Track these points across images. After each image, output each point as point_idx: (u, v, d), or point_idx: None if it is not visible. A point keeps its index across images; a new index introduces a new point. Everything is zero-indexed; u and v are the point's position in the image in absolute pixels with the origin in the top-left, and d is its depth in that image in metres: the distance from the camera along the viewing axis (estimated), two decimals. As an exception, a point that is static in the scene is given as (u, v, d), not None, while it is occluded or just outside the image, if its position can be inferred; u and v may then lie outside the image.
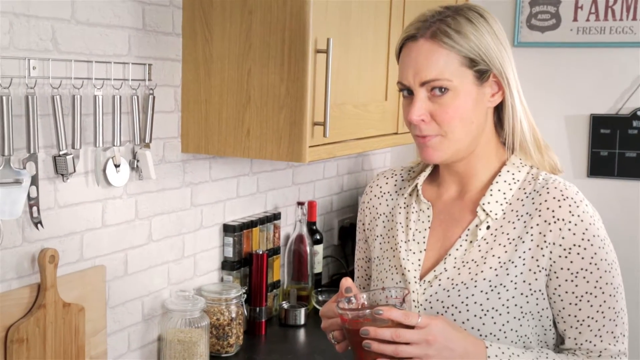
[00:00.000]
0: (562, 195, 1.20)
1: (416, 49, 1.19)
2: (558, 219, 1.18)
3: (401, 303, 1.12)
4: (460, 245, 1.23)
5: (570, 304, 1.20)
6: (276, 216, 2.25)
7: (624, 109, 2.72)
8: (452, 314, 1.20)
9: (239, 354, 1.97)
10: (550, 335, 1.25)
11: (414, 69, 1.18)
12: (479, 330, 1.19)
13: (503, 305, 1.19)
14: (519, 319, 1.20)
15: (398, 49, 1.24)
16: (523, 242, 1.20)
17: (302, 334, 2.17)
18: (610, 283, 1.19)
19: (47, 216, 1.48)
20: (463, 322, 1.20)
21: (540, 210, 1.20)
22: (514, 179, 1.25)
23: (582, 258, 1.18)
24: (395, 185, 1.38)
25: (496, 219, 1.22)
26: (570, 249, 1.18)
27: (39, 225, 1.45)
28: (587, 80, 2.76)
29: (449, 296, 1.21)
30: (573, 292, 1.19)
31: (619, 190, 2.72)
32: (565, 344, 1.23)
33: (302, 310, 2.21)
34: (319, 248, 2.46)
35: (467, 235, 1.23)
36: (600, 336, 1.20)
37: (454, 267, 1.22)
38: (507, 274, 1.19)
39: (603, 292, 1.19)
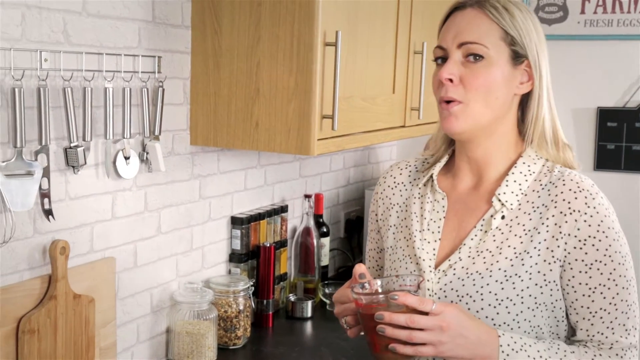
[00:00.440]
0: (578, 187, 1.21)
1: (461, 15, 1.24)
2: (574, 211, 1.20)
3: (416, 290, 1.13)
4: (475, 235, 1.24)
5: (583, 295, 1.21)
6: (283, 209, 2.26)
7: (631, 102, 2.72)
8: (467, 303, 1.21)
9: (247, 346, 1.98)
10: (562, 326, 1.25)
11: (455, 31, 1.22)
12: (493, 319, 1.20)
13: (517, 295, 1.20)
14: (533, 310, 1.21)
15: (443, 19, 1.28)
16: (539, 232, 1.21)
17: (309, 326, 2.18)
18: (623, 275, 1.20)
19: (58, 208, 1.48)
20: (477, 311, 1.20)
21: (556, 202, 1.21)
22: (529, 170, 1.26)
23: (597, 250, 1.19)
24: (409, 176, 1.39)
25: (511, 209, 1.24)
26: (585, 240, 1.19)
27: (50, 216, 1.46)
28: (594, 73, 2.76)
29: (463, 285, 1.22)
30: (587, 284, 1.20)
31: (626, 183, 2.72)
32: (577, 335, 1.24)
33: (309, 303, 2.22)
34: (326, 241, 2.47)
35: (482, 225, 1.25)
36: (612, 328, 1.21)
37: (469, 256, 1.24)
38: (523, 264, 1.20)
39: (616, 285, 1.20)
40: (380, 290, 1.18)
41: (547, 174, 1.25)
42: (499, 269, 1.21)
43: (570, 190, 1.21)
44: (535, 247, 1.21)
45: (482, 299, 1.20)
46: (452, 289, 1.23)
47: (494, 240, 1.23)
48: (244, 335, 1.97)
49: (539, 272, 1.20)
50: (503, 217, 1.24)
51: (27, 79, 1.38)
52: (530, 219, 1.23)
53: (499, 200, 1.24)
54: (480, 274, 1.22)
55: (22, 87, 1.35)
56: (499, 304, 1.20)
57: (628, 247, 1.23)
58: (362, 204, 2.76)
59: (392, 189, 1.40)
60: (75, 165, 1.49)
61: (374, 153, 2.97)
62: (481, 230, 1.25)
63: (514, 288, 1.20)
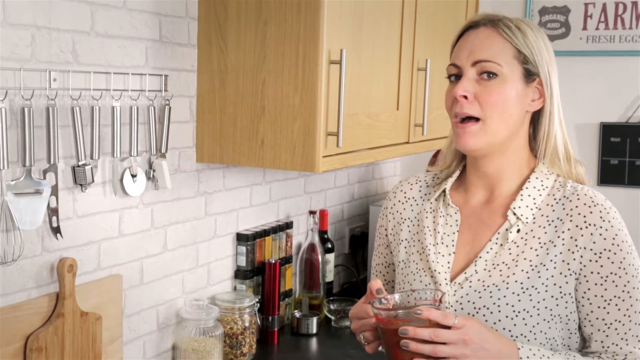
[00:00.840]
0: (593, 201, 1.24)
1: (475, 33, 1.26)
2: (590, 224, 1.22)
3: (438, 304, 1.15)
4: (491, 248, 1.26)
5: (598, 307, 1.23)
6: (288, 225, 2.27)
7: (634, 117, 2.73)
8: (484, 315, 1.23)
9: (252, 362, 1.98)
10: (574, 338, 1.27)
11: (470, 49, 1.25)
12: (510, 331, 1.22)
13: (534, 307, 1.22)
14: (548, 322, 1.23)
15: (456, 37, 1.30)
16: (555, 245, 1.23)
17: (314, 342, 2.18)
18: (637, 288, 1.22)
19: (65, 226, 1.49)
20: (494, 323, 1.22)
21: (571, 216, 1.24)
22: (542, 185, 1.29)
23: (612, 262, 1.22)
24: (420, 190, 1.41)
25: (527, 223, 1.26)
26: (601, 253, 1.22)
27: (58, 234, 1.47)
28: (596, 88, 2.77)
29: (480, 297, 1.24)
30: (602, 296, 1.22)
31: (630, 198, 2.73)
32: (592, 347, 1.26)
33: (314, 319, 2.22)
34: (331, 257, 2.47)
35: (497, 238, 1.27)
36: (627, 340, 1.23)
37: (485, 269, 1.25)
38: (539, 277, 1.23)
39: (630, 296, 1.22)
40: (397, 305, 1.19)
41: (560, 189, 1.28)
42: (516, 281, 1.23)
43: (585, 204, 1.24)
44: (551, 260, 1.23)
45: (499, 311, 1.22)
46: (468, 301, 1.24)
47: (510, 254, 1.25)
48: (250, 351, 1.97)
49: (555, 284, 1.23)
50: (519, 231, 1.26)
51: (37, 98, 1.40)
52: (546, 232, 1.25)
53: (514, 214, 1.27)
54: (497, 286, 1.23)
55: (31, 107, 1.37)
56: (516, 316, 1.22)
57: (639, 259, 1.26)
58: (367, 219, 2.76)
59: (402, 203, 1.42)
60: (83, 183, 1.50)
61: (378, 169, 2.98)
62: (497, 243, 1.27)
63: (531, 300, 1.22)
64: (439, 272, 1.28)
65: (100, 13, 1.53)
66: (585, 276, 1.23)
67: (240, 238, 2.07)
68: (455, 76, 1.27)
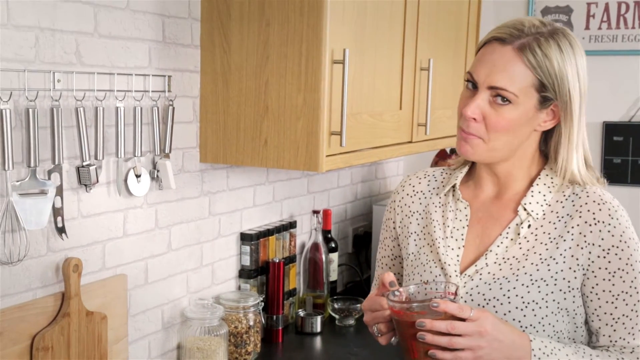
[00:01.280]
0: (601, 199, 1.27)
1: (499, 52, 1.22)
2: (598, 221, 1.25)
3: (454, 297, 1.16)
4: (502, 242, 1.29)
5: (607, 302, 1.25)
6: (292, 224, 2.27)
7: (636, 117, 2.73)
8: (494, 306, 1.25)
9: (257, 361, 1.99)
10: (580, 332, 1.29)
11: (489, 70, 1.22)
12: (519, 321, 1.24)
13: (542, 299, 1.24)
14: (556, 314, 1.25)
15: (482, 43, 1.27)
16: (564, 240, 1.26)
17: (318, 341, 2.19)
18: None
19: (70, 226, 1.50)
20: (504, 314, 1.25)
21: (580, 212, 1.26)
22: (552, 182, 1.31)
23: (620, 258, 1.24)
24: (428, 185, 1.43)
25: (537, 218, 1.28)
26: (609, 249, 1.24)
27: (63, 234, 1.47)
28: (599, 88, 2.77)
29: (490, 289, 1.26)
30: (610, 291, 1.25)
31: (633, 197, 2.73)
32: (600, 341, 1.28)
33: (318, 318, 2.23)
34: (334, 256, 2.48)
35: (507, 233, 1.29)
36: (634, 334, 1.25)
37: (495, 262, 1.28)
38: (548, 270, 1.25)
39: (638, 292, 1.24)
40: (411, 298, 1.20)
41: (569, 186, 1.30)
42: (525, 274, 1.25)
43: (594, 201, 1.26)
44: (560, 254, 1.26)
45: (509, 302, 1.25)
46: (478, 293, 1.27)
47: (520, 248, 1.28)
48: (254, 350, 1.98)
49: (563, 278, 1.25)
50: (529, 226, 1.28)
51: (41, 99, 1.41)
52: (556, 228, 1.27)
53: (525, 210, 1.29)
54: (507, 278, 1.26)
55: (35, 108, 1.38)
56: (526, 307, 1.24)
57: None
58: (370, 219, 2.77)
59: (411, 197, 1.43)
60: (87, 183, 1.51)
61: (381, 168, 2.98)
62: (507, 237, 1.29)
63: (539, 292, 1.24)
64: (449, 265, 1.31)
65: (103, 14, 1.54)
66: (593, 272, 1.25)
67: (244, 238, 2.08)
68: (473, 84, 1.26)
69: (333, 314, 2.32)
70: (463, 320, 1.13)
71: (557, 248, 1.26)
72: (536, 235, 1.28)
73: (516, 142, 1.27)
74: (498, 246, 1.29)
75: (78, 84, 1.47)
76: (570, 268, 1.25)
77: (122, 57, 1.59)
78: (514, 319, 1.24)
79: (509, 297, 1.25)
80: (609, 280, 1.25)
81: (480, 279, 1.27)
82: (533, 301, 1.24)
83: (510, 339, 1.17)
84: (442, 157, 2.90)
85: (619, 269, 1.24)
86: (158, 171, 1.71)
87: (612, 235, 1.24)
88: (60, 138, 1.43)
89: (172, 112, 1.71)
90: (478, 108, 1.23)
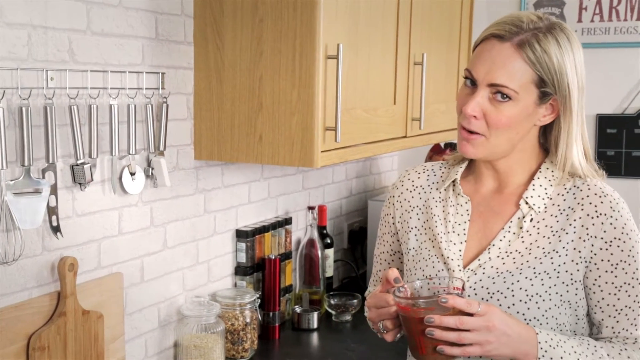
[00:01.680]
0: (603, 192, 1.27)
1: (498, 49, 1.22)
2: (600, 214, 1.25)
3: (461, 292, 1.16)
4: (504, 237, 1.29)
5: (609, 293, 1.26)
6: (287, 221, 2.27)
7: (629, 109, 2.74)
8: (498, 300, 1.25)
9: (254, 358, 1.98)
10: (581, 324, 1.30)
11: (489, 67, 1.22)
12: (523, 314, 1.24)
13: (546, 292, 1.25)
14: (559, 307, 1.25)
15: (480, 39, 1.26)
16: (566, 233, 1.26)
17: (315, 337, 2.19)
18: None
19: (65, 225, 1.50)
20: (508, 307, 1.25)
21: (582, 205, 1.27)
22: (553, 175, 1.31)
23: (622, 250, 1.24)
24: (427, 179, 1.42)
25: (539, 212, 1.28)
26: (611, 241, 1.24)
27: (58, 233, 1.47)
28: (592, 80, 2.76)
29: (494, 283, 1.26)
30: (612, 283, 1.25)
31: (626, 189, 2.73)
32: (602, 333, 1.28)
33: (315, 314, 2.23)
34: (330, 252, 2.48)
35: (510, 226, 1.29)
36: (636, 325, 1.26)
37: (498, 256, 1.28)
38: (552, 263, 1.25)
39: (639, 283, 1.25)
40: (416, 293, 1.20)
41: (570, 179, 1.30)
42: (529, 267, 1.26)
43: (595, 194, 1.27)
44: (563, 247, 1.26)
45: (513, 295, 1.25)
46: (482, 287, 1.27)
47: (523, 242, 1.28)
48: (251, 347, 1.98)
49: (566, 271, 1.25)
50: (532, 220, 1.29)
51: (34, 97, 1.40)
52: (557, 221, 1.28)
53: (527, 204, 1.29)
54: (510, 272, 1.26)
55: (29, 106, 1.37)
56: (529, 300, 1.24)
57: None
58: (365, 214, 2.77)
59: (410, 192, 1.42)
60: (82, 182, 1.50)
61: (375, 164, 2.98)
62: (509, 231, 1.29)
63: (543, 285, 1.25)
64: (452, 259, 1.30)
65: (96, 11, 1.53)
66: (595, 264, 1.25)
67: (240, 234, 2.07)
68: (471, 81, 1.26)
69: (329, 310, 2.32)
70: (471, 315, 1.13)
71: (560, 241, 1.26)
72: (538, 228, 1.28)
73: (517, 138, 1.27)
74: (501, 240, 1.29)
75: (71, 82, 1.47)
76: (572, 260, 1.25)
77: (115, 54, 1.59)
78: (517, 312, 1.24)
79: (512, 291, 1.25)
80: (612, 272, 1.25)
81: (484, 273, 1.27)
82: (537, 294, 1.24)
83: (517, 333, 1.17)
84: (436, 152, 2.90)
85: (621, 260, 1.25)
86: (153, 169, 1.70)
87: (614, 228, 1.24)
88: (54, 136, 1.42)
89: (166, 110, 1.71)
90: (478, 105, 1.23)
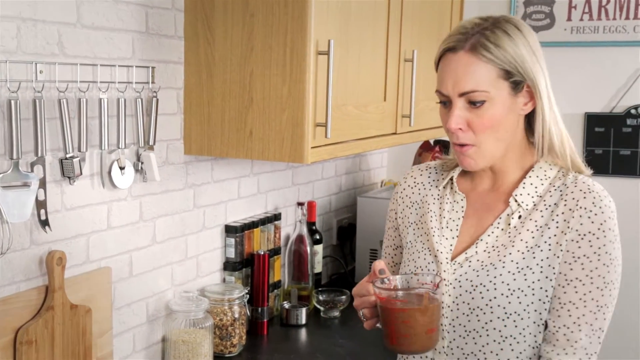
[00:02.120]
0: (589, 188, 1.27)
1: (455, 60, 1.25)
2: (580, 207, 1.25)
3: (435, 289, 1.19)
4: (492, 232, 1.31)
5: (559, 285, 1.25)
6: (277, 217, 2.27)
7: (617, 108, 2.75)
8: (480, 292, 1.27)
9: (242, 354, 1.98)
10: None
11: (453, 79, 1.25)
12: (504, 308, 1.25)
13: (529, 287, 1.25)
14: (544, 303, 1.26)
15: (437, 58, 1.30)
16: (549, 228, 1.27)
17: (303, 333, 2.19)
18: (602, 276, 1.24)
19: (54, 219, 1.49)
20: (490, 300, 1.26)
21: (566, 200, 1.27)
22: (545, 175, 1.32)
23: (591, 246, 1.24)
24: (429, 177, 1.45)
25: (527, 209, 1.30)
26: (584, 235, 1.25)
27: (46, 227, 1.46)
28: (581, 79, 2.80)
29: (477, 276, 1.28)
30: (565, 275, 1.25)
31: (614, 187, 2.73)
32: (547, 329, 1.27)
33: (303, 310, 2.23)
34: (319, 248, 2.48)
35: (499, 222, 1.31)
36: (579, 325, 1.24)
37: (485, 250, 1.30)
38: (534, 257, 1.26)
39: (592, 282, 1.24)
40: (399, 286, 1.24)
41: (561, 178, 1.31)
42: (512, 261, 1.27)
43: (580, 190, 1.27)
44: (545, 242, 1.27)
45: (495, 289, 1.26)
46: (466, 280, 1.29)
47: (509, 237, 1.30)
48: (240, 343, 1.98)
49: (549, 265, 1.26)
50: (520, 217, 1.30)
51: (23, 90, 1.39)
52: (542, 216, 1.28)
53: (516, 201, 1.31)
54: (494, 265, 1.28)
55: (17, 99, 1.36)
56: (511, 294, 1.25)
57: (620, 253, 1.27)
58: (354, 210, 2.77)
59: (412, 188, 1.46)
60: (71, 176, 1.50)
61: (365, 160, 2.99)
62: (498, 227, 1.31)
63: (525, 279, 1.26)
64: (441, 252, 1.33)
65: (86, 5, 1.52)
66: (563, 255, 1.25)
67: (229, 230, 2.07)
68: (445, 102, 1.29)
69: (318, 306, 2.33)
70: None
71: (542, 236, 1.27)
72: (523, 223, 1.29)
73: (506, 135, 1.28)
74: (489, 235, 1.31)
75: (61, 75, 1.46)
76: (555, 255, 1.26)
77: (105, 48, 1.58)
78: (499, 305, 1.26)
79: (495, 284, 1.26)
80: (569, 264, 1.24)
81: (470, 266, 1.30)
82: (519, 289, 1.25)
83: None
84: (425, 149, 2.91)
85: (584, 255, 1.24)
86: (142, 163, 1.69)
87: (592, 222, 1.24)
88: (43, 130, 1.41)
89: (156, 104, 1.70)
90: (459, 118, 1.25)
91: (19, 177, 1.38)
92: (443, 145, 2.78)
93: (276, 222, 2.27)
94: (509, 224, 1.30)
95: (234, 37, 1.75)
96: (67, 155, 1.48)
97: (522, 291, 1.25)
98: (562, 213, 1.27)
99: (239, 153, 1.78)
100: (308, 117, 1.69)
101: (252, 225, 2.13)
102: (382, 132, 2.10)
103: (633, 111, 2.73)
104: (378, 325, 1.28)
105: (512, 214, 1.30)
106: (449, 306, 1.30)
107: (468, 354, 1.29)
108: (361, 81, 1.96)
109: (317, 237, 2.47)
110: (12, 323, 1.40)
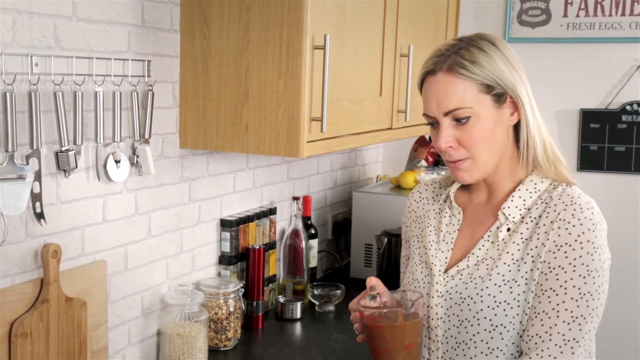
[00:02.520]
0: (572, 201, 1.27)
1: (435, 82, 1.28)
2: (560, 219, 1.26)
3: (410, 306, 1.26)
4: (483, 245, 1.33)
5: (536, 295, 1.25)
6: (272, 211, 2.27)
7: (613, 104, 2.76)
8: (468, 304, 1.29)
9: (237, 347, 1.99)
10: None
11: (436, 101, 1.27)
12: (491, 320, 1.27)
13: (514, 299, 1.26)
14: (527, 314, 1.26)
15: (420, 83, 1.33)
16: (532, 241, 1.28)
17: (298, 327, 2.20)
18: (578, 287, 1.22)
19: (49, 212, 1.49)
20: (477, 312, 1.28)
21: (548, 213, 1.28)
22: (535, 188, 1.33)
23: (566, 257, 1.23)
24: (433, 192, 1.49)
25: (514, 222, 1.31)
26: (561, 246, 1.24)
27: (41, 220, 1.46)
28: (577, 75, 2.80)
29: (466, 288, 1.30)
30: (541, 285, 1.25)
31: (609, 183, 2.77)
32: (522, 338, 1.26)
33: (298, 304, 2.23)
34: (314, 242, 2.49)
35: (489, 236, 1.33)
36: (550, 334, 1.22)
37: (476, 264, 1.32)
38: (519, 270, 1.27)
39: (566, 293, 1.22)
40: (388, 303, 1.32)
41: (550, 191, 1.32)
42: (498, 273, 1.28)
43: (563, 202, 1.27)
44: (529, 254, 1.27)
45: (481, 301, 1.28)
46: (456, 292, 1.32)
47: (498, 250, 1.31)
48: (235, 336, 1.98)
49: (533, 278, 1.26)
50: (509, 230, 1.31)
51: (18, 83, 1.39)
52: (528, 229, 1.30)
53: (504, 214, 1.32)
54: (481, 278, 1.29)
55: (13, 92, 1.36)
56: (497, 306, 1.27)
57: (603, 265, 1.24)
58: (349, 205, 2.78)
59: (417, 203, 1.51)
60: (66, 169, 1.50)
61: (360, 155, 2.99)
62: (488, 240, 1.33)
63: (511, 292, 1.27)
64: (435, 265, 1.36)
65: (82, -3, 1.52)
66: (539, 267, 1.25)
67: (224, 224, 2.07)
68: (433, 123, 1.32)
69: (313, 300, 2.33)
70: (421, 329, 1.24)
71: (527, 248, 1.28)
72: (510, 236, 1.31)
73: (497, 146, 1.30)
74: (480, 249, 1.33)
75: (56, 68, 1.45)
76: (536, 267, 1.26)
77: (100, 41, 1.58)
78: (485, 317, 1.27)
79: (481, 296, 1.28)
80: (545, 274, 1.24)
81: (460, 278, 1.32)
82: (505, 301, 1.26)
83: None
84: (421, 144, 2.92)
85: (559, 266, 1.23)
86: (137, 157, 1.69)
87: (569, 234, 1.24)
88: (38, 123, 1.41)
89: (152, 97, 1.70)
90: (448, 136, 1.28)
91: (14, 169, 1.38)
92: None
93: (271, 217, 2.27)
94: (498, 237, 1.31)
95: (230, 31, 1.74)
96: (63, 148, 1.48)
97: (508, 304, 1.26)
98: (544, 225, 1.27)
99: (235, 147, 1.78)
100: (304, 111, 1.69)
101: (247, 219, 2.14)
102: (377, 127, 2.10)
103: (628, 107, 2.73)
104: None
105: (501, 226, 1.31)
106: (441, 318, 1.33)
107: None
108: (357, 76, 1.96)
109: (313, 231, 2.48)
110: (7, 316, 1.40)
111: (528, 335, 1.25)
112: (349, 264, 2.71)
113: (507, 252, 1.29)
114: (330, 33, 1.72)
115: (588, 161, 2.78)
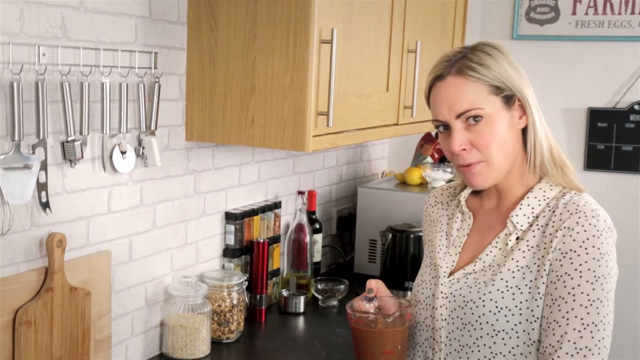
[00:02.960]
0: (577, 208, 1.27)
1: (445, 86, 1.29)
2: (565, 227, 1.25)
3: (391, 314, 1.31)
4: (490, 251, 1.33)
5: (546, 305, 1.25)
6: (277, 205, 2.28)
7: (621, 103, 2.75)
8: (471, 308, 1.30)
9: (240, 340, 2.00)
10: None
11: (447, 104, 1.28)
12: (492, 325, 1.28)
13: (516, 306, 1.26)
14: (531, 322, 1.26)
15: (427, 90, 1.33)
16: (539, 249, 1.28)
17: (301, 321, 2.20)
18: (586, 294, 1.21)
19: (55, 201, 1.50)
20: (479, 316, 1.29)
21: (554, 220, 1.28)
22: (544, 196, 1.33)
23: (572, 264, 1.23)
24: (448, 196, 1.50)
25: (522, 230, 1.31)
26: (566, 253, 1.24)
27: (47, 209, 1.47)
28: (585, 73, 2.79)
29: (470, 292, 1.31)
30: (551, 294, 1.24)
31: (616, 183, 2.75)
32: (539, 350, 1.26)
33: (302, 298, 2.24)
34: (318, 237, 2.49)
35: (497, 242, 1.33)
36: (561, 343, 1.21)
37: (482, 269, 1.32)
38: (523, 278, 1.27)
39: (574, 300, 1.21)
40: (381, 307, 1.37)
41: (559, 199, 1.31)
42: (502, 280, 1.28)
43: (568, 210, 1.27)
44: (534, 263, 1.27)
45: (483, 306, 1.28)
46: (460, 295, 1.32)
47: (504, 257, 1.31)
48: (237, 329, 1.99)
49: (537, 287, 1.26)
50: (517, 238, 1.31)
51: (26, 73, 1.40)
52: (534, 237, 1.29)
53: (512, 222, 1.32)
54: (485, 283, 1.30)
55: (20, 81, 1.37)
56: (499, 312, 1.27)
57: (611, 272, 1.23)
58: (354, 201, 2.78)
59: (432, 207, 1.52)
60: (72, 159, 1.50)
61: (366, 151, 2.99)
62: (496, 247, 1.33)
63: (514, 299, 1.27)
64: (441, 267, 1.37)
65: (90, -12, 1.52)
66: (548, 275, 1.25)
67: (229, 217, 2.08)
68: (443, 126, 1.31)
69: (316, 295, 2.34)
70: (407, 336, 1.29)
71: (532, 257, 1.28)
72: (518, 244, 1.30)
73: (509, 148, 1.30)
74: (487, 255, 1.33)
75: (63, 58, 1.46)
76: (541, 275, 1.26)
77: (108, 32, 1.58)
78: (487, 322, 1.28)
79: (484, 301, 1.28)
80: (554, 283, 1.24)
81: (465, 282, 1.33)
82: (506, 307, 1.26)
83: None
84: (427, 141, 2.91)
85: (565, 273, 1.22)
86: (143, 148, 1.70)
87: (574, 240, 1.23)
88: (45, 112, 1.42)
89: (158, 89, 1.70)
90: (461, 139, 1.28)
91: (21, 159, 1.39)
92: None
93: (276, 210, 2.27)
94: (506, 244, 1.31)
95: (237, 24, 1.75)
96: (69, 139, 1.49)
97: (510, 310, 1.26)
98: (550, 234, 1.27)
99: (241, 140, 1.79)
100: (310, 105, 1.70)
101: (252, 212, 2.14)
102: (384, 123, 2.10)
103: (636, 107, 2.72)
104: None
105: (510, 234, 1.32)
106: (445, 319, 1.34)
107: None
108: (364, 71, 1.96)
109: (317, 226, 2.48)
110: (11, 304, 1.41)
111: (542, 346, 1.24)
112: (353, 260, 2.71)
113: (512, 259, 1.29)
114: (338, 27, 1.72)
115: (595, 160, 2.77)
